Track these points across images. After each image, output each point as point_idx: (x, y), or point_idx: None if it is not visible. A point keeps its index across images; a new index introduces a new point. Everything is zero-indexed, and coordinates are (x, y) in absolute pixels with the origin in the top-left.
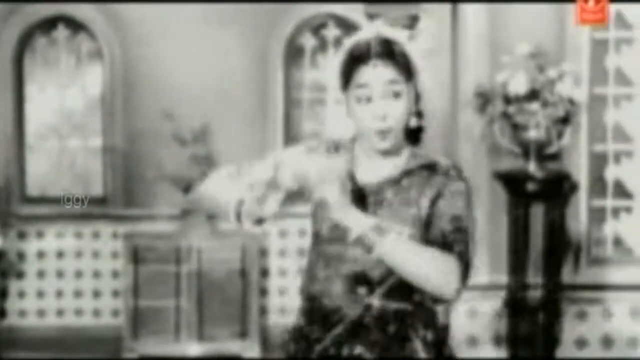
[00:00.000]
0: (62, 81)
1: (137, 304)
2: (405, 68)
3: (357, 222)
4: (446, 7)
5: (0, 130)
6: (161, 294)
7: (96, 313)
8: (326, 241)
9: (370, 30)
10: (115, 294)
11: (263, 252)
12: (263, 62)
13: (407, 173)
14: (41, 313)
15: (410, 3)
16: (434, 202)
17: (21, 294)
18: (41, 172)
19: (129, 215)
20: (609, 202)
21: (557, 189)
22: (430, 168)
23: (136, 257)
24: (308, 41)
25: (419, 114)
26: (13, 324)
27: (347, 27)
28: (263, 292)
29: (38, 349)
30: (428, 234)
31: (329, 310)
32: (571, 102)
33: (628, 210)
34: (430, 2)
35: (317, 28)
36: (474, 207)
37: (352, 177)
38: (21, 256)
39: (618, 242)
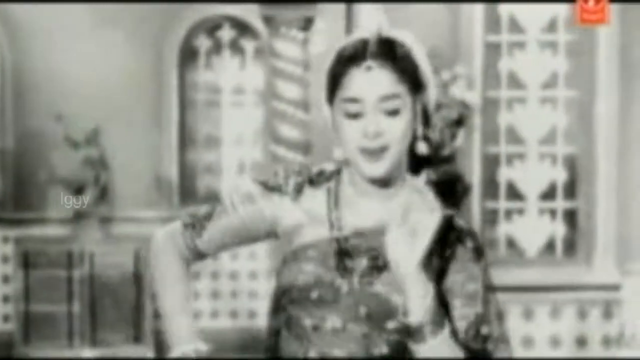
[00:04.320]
0: None
1: (29, 309)
2: (410, 77)
3: (422, 300)
4: (340, 8)
5: None
6: (53, 298)
7: None
8: (302, 304)
9: (369, 28)
10: (6, 299)
11: None
12: (157, 64)
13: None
14: None
15: (305, 4)
16: (442, 274)
17: None
18: None
19: (20, 219)
20: (502, 204)
21: (451, 190)
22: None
23: (27, 261)
24: (203, 43)
25: (427, 139)
26: None
27: (242, 28)
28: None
29: None
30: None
31: None
32: (464, 104)
33: (520, 212)
34: (325, 3)
35: (212, 29)
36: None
37: (334, 223)
38: None
39: (511, 243)
